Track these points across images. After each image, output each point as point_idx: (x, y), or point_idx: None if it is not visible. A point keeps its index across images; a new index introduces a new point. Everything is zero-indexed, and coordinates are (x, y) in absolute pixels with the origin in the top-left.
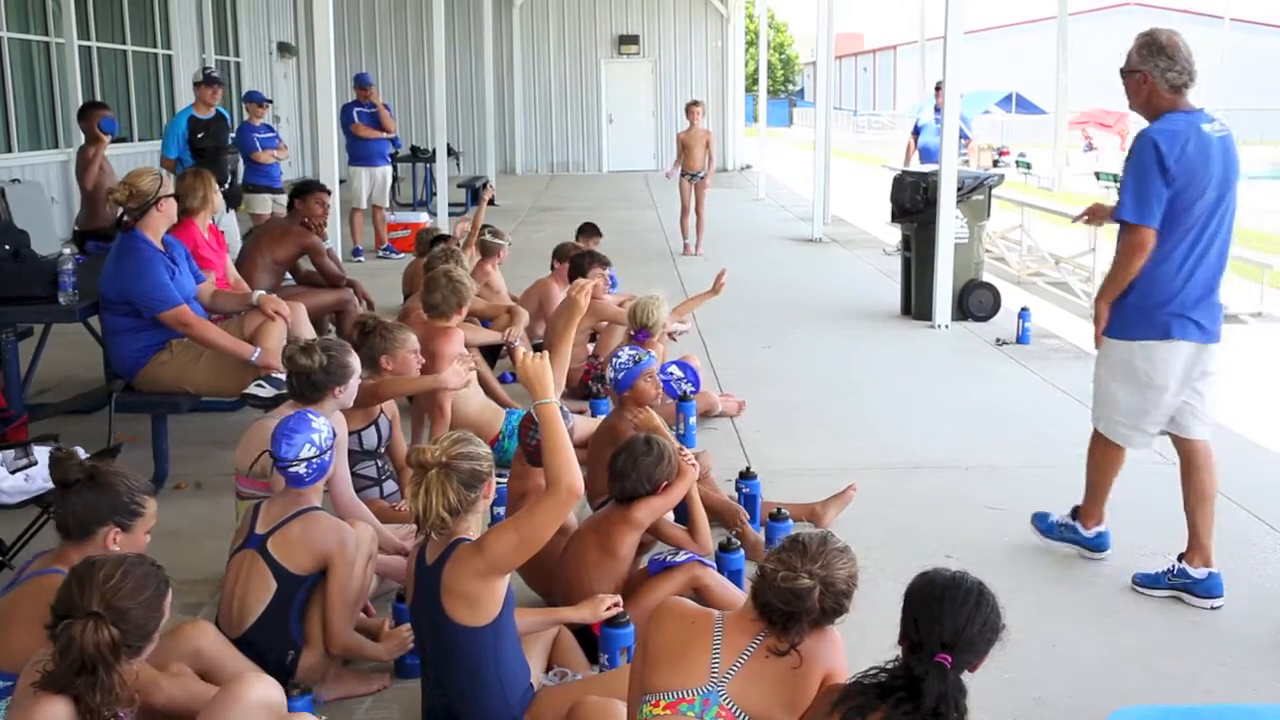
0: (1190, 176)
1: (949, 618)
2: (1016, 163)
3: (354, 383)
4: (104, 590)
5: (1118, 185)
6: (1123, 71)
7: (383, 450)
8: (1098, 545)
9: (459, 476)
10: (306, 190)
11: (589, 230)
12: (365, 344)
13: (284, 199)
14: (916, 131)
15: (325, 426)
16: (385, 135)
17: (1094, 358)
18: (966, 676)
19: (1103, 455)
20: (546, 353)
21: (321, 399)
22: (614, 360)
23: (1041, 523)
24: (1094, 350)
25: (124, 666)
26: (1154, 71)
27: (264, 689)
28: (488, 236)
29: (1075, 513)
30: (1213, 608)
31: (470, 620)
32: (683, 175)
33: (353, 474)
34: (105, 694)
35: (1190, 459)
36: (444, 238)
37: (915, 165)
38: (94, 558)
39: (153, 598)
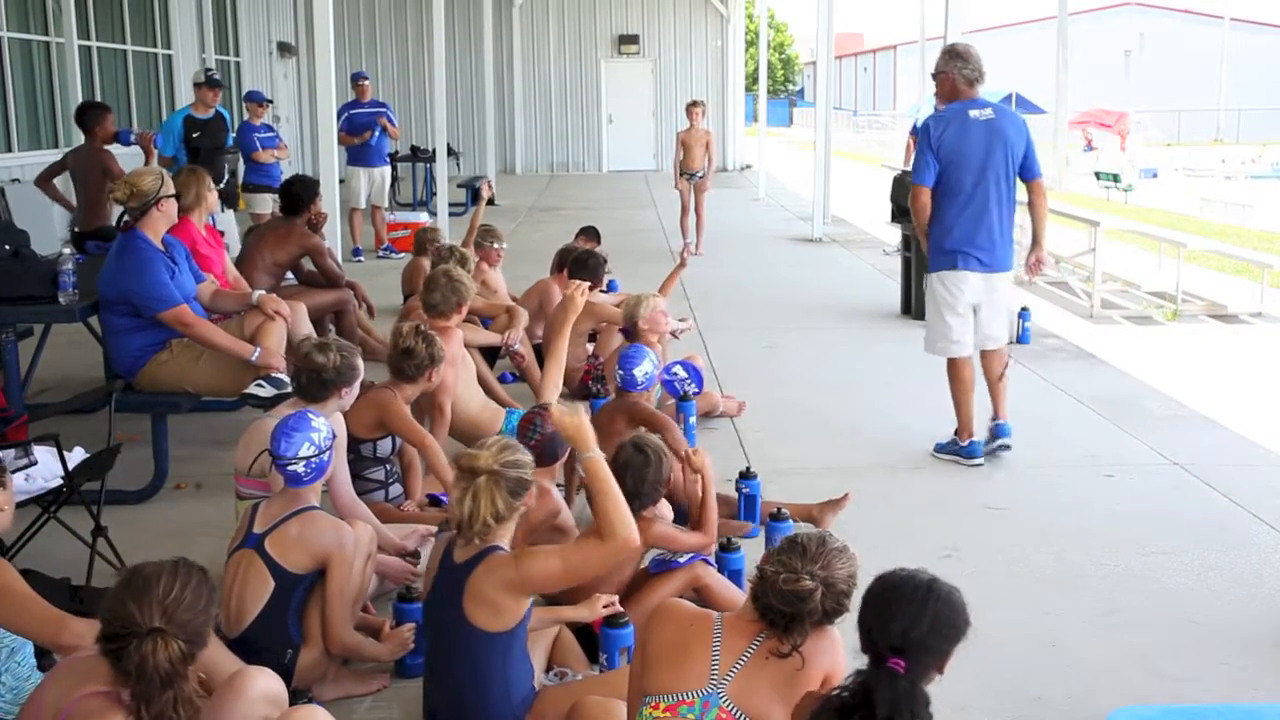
0: (951, 151)
1: (896, 620)
2: None
3: (358, 386)
4: (165, 605)
5: None
6: (933, 75)
7: (393, 456)
8: (970, 453)
9: (507, 484)
10: (307, 191)
11: (588, 233)
12: (428, 351)
13: None
14: (915, 131)
15: (324, 426)
16: (357, 141)
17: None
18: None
19: (951, 375)
20: (580, 405)
21: (326, 398)
22: (633, 371)
23: (936, 448)
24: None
25: (191, 674)
26: (954, 70)
27: (266, 683)
28: (478, 237)
29: (956, 433)
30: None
31: (489, 626)
32: (682, 175)
33: (359, 478)
34: (187, 704)
35: (990, 361)
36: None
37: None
38: (143, 568)
39: (206, 604)
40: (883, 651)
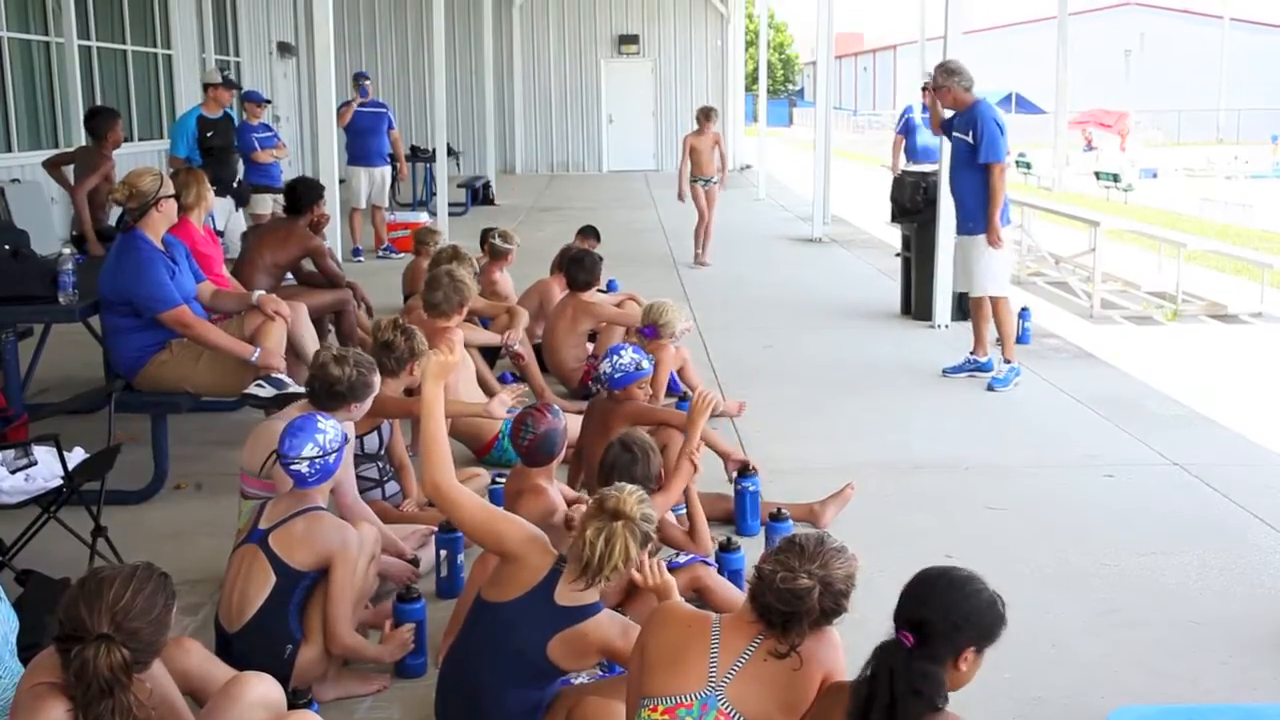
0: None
1: (925, 603)
2: (1016, 163)
3: (369, 403)
4: (114, 611)
5: (972, 139)
6: (934, 88)
7: (383, 453)
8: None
9: (641, 534)
10: (311, 192)
11: (587, 233)
12: (407, 344)
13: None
14: (902, 131)
15: (332, 429)
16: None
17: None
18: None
19: (1003, 309)
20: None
21: (335, 409)
22: (613, 357)
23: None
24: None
25: (136, 683)
26: (954, 85)
27: (263, 688)
28: (496, 240)
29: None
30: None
31: (563, 664)
32: (694, 181)
33: (355, 477)
34: (124, 714)
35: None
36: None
37: (903, 163)
38: (100, 571)
39: (161, 613)
40: (899, 625)
